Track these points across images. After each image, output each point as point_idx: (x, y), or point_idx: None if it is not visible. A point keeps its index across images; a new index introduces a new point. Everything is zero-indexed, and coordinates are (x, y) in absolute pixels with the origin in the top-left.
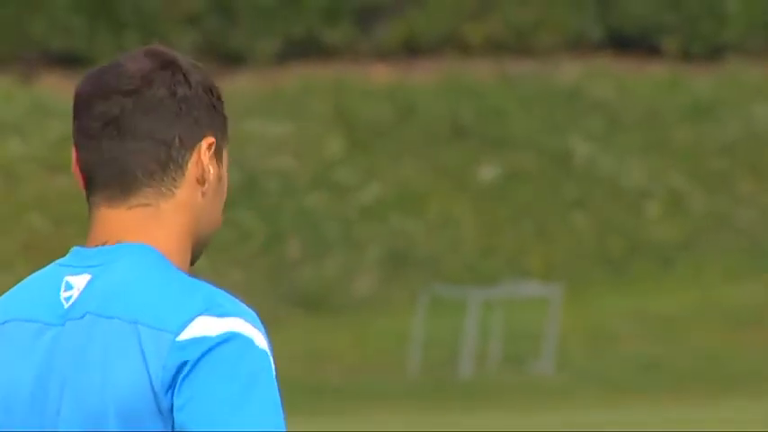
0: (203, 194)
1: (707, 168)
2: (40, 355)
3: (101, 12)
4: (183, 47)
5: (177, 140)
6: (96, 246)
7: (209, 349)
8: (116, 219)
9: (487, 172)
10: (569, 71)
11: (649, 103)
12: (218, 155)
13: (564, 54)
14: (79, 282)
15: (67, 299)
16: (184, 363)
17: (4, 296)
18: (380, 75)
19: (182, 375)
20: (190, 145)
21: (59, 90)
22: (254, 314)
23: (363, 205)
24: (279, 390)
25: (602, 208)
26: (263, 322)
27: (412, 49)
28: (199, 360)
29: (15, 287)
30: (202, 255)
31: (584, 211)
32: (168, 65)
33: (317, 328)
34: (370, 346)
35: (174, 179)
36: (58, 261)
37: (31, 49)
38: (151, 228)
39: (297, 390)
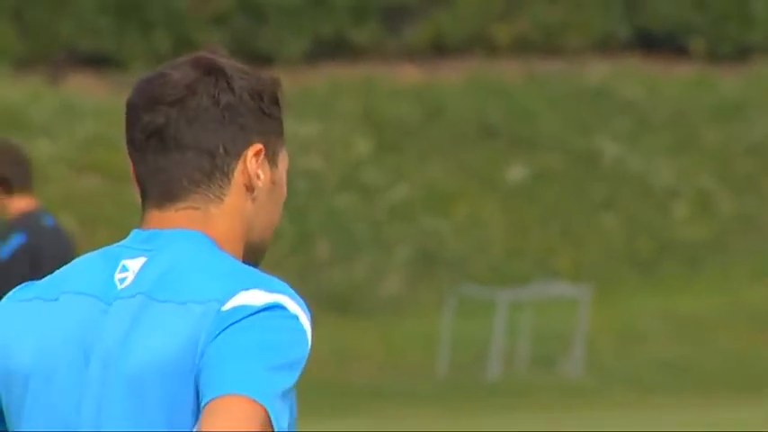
0: (253, 200)
1: (735, 169)
2: (88, 327)
3: (129, 12)
4: None
5: (222, 149)
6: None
7: (252, 314)
8: (166, 217)
9: (516, 172)
10: (597, 71)
11: (677, 103)
12: (271, 159)
13: (592, 54)
14: (135, 265)
15: (121, 280)
16: (225, 327)
17: (60, 271)
18: (408, 75)
19: (222, 334)
20: (235, 153)
21: (88, 90)
22: (302, 300)
23: (392, 206)
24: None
25: (631, 208)
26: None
27: (440, 49)
28: (239, 321)
29: (72, 263)
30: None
31: (612, 211)
32: (212, 72)
33: (346, 329)
34: (398, 346)
35: (221, 187)
36: (118, 242)
37: (59, 49)
38: (199, 226)
39: (325, 390)
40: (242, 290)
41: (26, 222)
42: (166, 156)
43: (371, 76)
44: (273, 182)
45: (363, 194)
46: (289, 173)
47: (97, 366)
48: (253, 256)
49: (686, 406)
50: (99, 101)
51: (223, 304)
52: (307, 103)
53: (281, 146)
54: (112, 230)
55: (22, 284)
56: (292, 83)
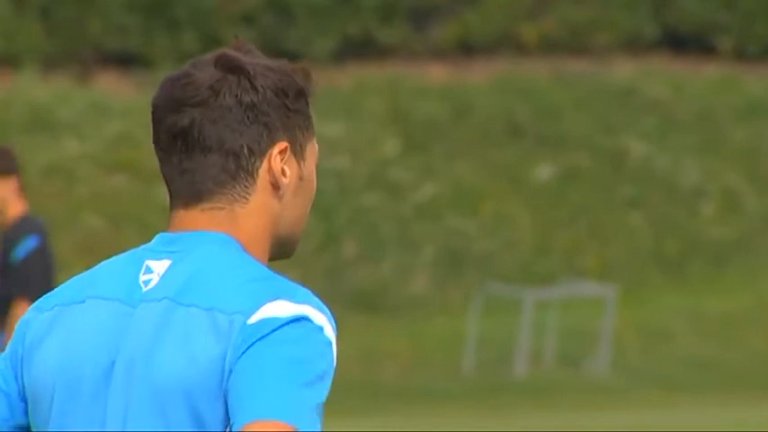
0: (280, 197)
1: (762, 168)
2: (112, 332)
3: (157, 11)
4: None
5: (246, 149)
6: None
7: (277, 327)
8: (191, 217)
9: (543, 171)
10: (624, 70)
11: (704, 102)
12: (298, 154)
13: (619, 53)
14: (159, 267)
15: (146, 282)
16: (253, 342)
17: (85, 274)
18: (436, 74)
19: (249, 349)
20: (260, 152)
21: (116, 89)
22: (327, 309)
23: (419, 205)
24: (329, 386)
25: (657, 207)
26: (340, 308)
27: (467, 49)
28: (264, 337)
29: (98, 266)
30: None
31: (638, 210)
32: (235, 71)
33: (373, 328)
34: (425, 345)
35: (246, 186)
36: (142, 245)
37: (87, 48)
38: (225, 226)
39: (352, 389)
40: (267, 301)
41: (35, 225)
42: (191, 157)
43: (399, 76)
44: (301, 177)
45: (390, 193)
46: (316, 172)
47: (121, 373)
48: (282, 250)
49: (713, 404)
50: (127, 100)
51: (248, 317)
52: (334, 102)
53: (308, 139)
54: (139, 229)
55: (44, 295)
56: (319, 82)
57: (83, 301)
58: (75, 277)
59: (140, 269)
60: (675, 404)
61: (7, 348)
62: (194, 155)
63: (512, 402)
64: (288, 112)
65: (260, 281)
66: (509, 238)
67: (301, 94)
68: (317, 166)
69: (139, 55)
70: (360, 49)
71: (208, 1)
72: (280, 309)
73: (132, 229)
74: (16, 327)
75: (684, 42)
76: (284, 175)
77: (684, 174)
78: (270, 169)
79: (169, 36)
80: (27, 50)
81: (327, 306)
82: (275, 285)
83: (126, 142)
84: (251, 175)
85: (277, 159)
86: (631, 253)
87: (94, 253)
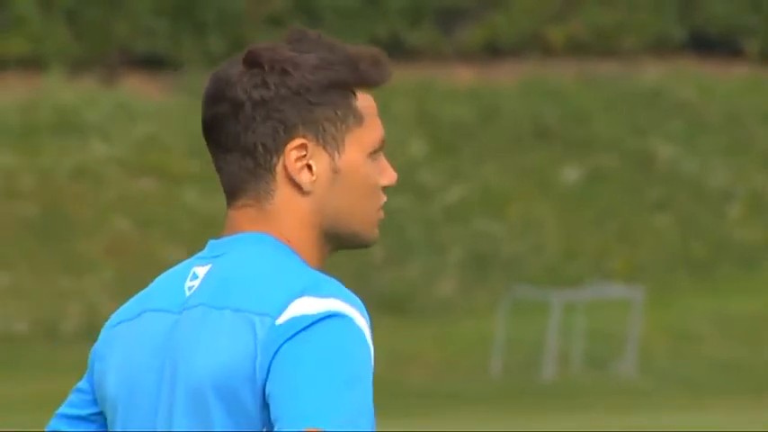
0: (308, 193)
1: None
2: (162, 342)
3: (183, 13)
4: None
5: (260, 147)
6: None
7: (307, 326)
8: (231, 216)
9: (570, 173)
10: (651, 73)
11: (732, 104)
12: (331, 147)
13: (646, 56)
14: (202, 272)
15: (190, 288)
16: (283, 342)
17: (147, 288)
18: (463, 76)
19: (282, 350)
20: (275, 148)
21: (142, 92)
22: (357, 299)
23: (446, 207)
24: (369, 380)
25: (685, 209)
26: (367, 310)
27: (494, 51)
28: (294, 335)
29: (157, 278)
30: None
31: (667, 212)
32: (254, 66)
33: (401, 330)
34: (452, 347)
35: (267, 183)
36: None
37: (114, 51)
38: (259, 224)
39: (380, 391)
40: (294, 298)
41: None
42: (218, 154)
43: (426, 78)
44: (337, 170)
45: (418, 196)
46: (378, 159)
47: (168, 379)
48: (344, 243)
49: (740, 407)
50: (153, 102)
51: (276, 318)
52: None
53: (349, 131)
54: (167, 232)
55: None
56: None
57: (139, 316)
58: (140, 292)
59: (188, 276)
60: (702, 406)
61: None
62: (219, 152)
63: (539, 405)
64: (310, 106)
65: (288, 277)
66: (536, 240)
67: (335, 86)
68: (383, 152)
69: (166, 57)
70: (387, 52)
71: (235, 3)
72: (307, 306)
73: (160, 232)
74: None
75: (712, 44)
76: (310, 171)
77: (712, 176)
78: (287, 166)
79: (196, 39)
80: (54, 53)
81: (358, 295)
82: (301, 280)
83: (153, 145)
84: (269, 171)
85: (292, 155)
86: (659, 255)
87: (122, 255)
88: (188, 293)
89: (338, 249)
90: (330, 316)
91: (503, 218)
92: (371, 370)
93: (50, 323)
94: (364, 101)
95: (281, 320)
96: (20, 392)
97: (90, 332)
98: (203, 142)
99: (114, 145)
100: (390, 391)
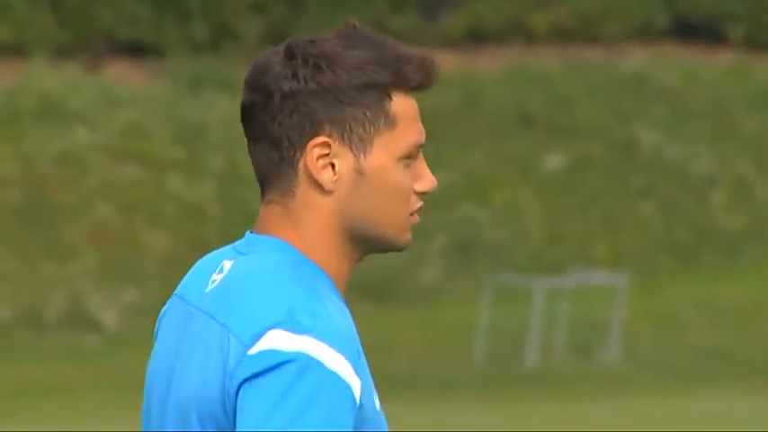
0: (329, 192)
1: None
2: (177, 336)
3: (167, 0)
4: (249, 35)
5: (286, 140)
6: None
7: (274, 366)
8: (261, 212)
9: (554, 160)
10: (635, 59)
11: (716, 91)
12: (357, 147)
13: (630, 42)
14: (227, 268)
15: (212, 282)
16: (251, 375)
17: (196, 263)
18: (447, 63)
19: (246, 385)
20: (300, 144)
21: (126, 78)
22: (339, 332)
23: (430, 194)
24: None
25: (669, 196)
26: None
27: (478, 38)
28: (262, 373)
29: (207, 255)
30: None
31: (650, 199)
32: (292, 58)
33: (384, 317)
34: (436, 334)
35: (290, 179)
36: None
37: (97, 38)
38: (284, 224)
39: None
40: (269, 328)
41: None
42: (249, 142)
43: None
44: (362, 171)
45: None
46: (412, 167)
47: (166, 384)
48: (372, 247)
49: (724, 393)
50: (137, 89)
51: (249, 348)
52: None
53: (379, 134)
54: (150, 219)
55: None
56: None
57: (172, 298)
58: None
59: (217, 268)
60: (686, 393)
61: None
62: (251, 140)
63: (523, 391)
64: (339, 104)
65: (278, 298)
66: (520, 227)
67: (369, 87)
68: (416, 159)
69: (150, 45)
70: None
71: None
72: (280, 341)
73: (143, 219)
74: None
75: (696, 31)
76: (332, 169)
77: (696, 162)
78: (307, 162)
79: (180, 26)
80: (38, 39)
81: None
82: (284, 308)
83: (137, 132)
84: (292, 166)
85: (314, 153)
86: (643, 242)
87: (106, 242)
88: (209, 287)
89: (370, 252)
90: (297, 359)
91: (486, 204)
92: (346, 411)
93: (34, 310)
94: (402, 104)
95: (252, 351)
96: (3, 379)
97: (73, 319)
98: (187, 129)
99: (98, 132)
100: (373, 377)
